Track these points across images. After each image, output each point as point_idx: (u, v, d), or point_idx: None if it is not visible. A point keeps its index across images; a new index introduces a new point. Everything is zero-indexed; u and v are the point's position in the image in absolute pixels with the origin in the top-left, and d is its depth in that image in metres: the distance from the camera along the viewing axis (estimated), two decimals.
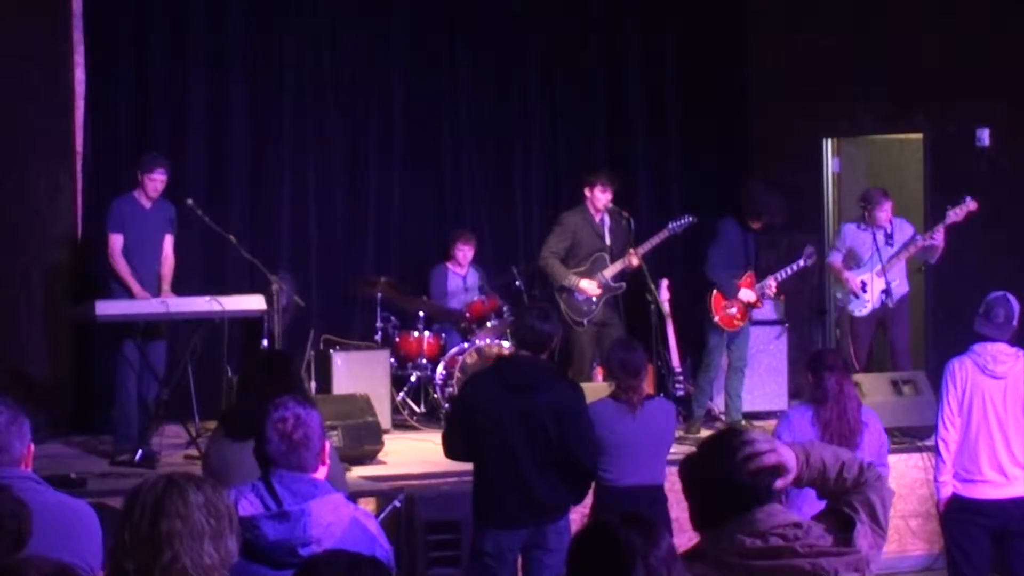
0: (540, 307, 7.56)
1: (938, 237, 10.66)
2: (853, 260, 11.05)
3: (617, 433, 7.15)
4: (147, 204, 10.08)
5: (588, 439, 6.83)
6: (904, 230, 11.01)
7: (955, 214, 10.54)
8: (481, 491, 6.87)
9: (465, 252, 12.05)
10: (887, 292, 10.77)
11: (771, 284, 10.92)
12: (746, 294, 10.81)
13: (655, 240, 11.01)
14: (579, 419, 6.80)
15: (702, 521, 3.47)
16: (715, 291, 10.82)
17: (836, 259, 11.14)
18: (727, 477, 3.41)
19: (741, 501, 3.42)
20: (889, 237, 10.87)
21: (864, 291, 10.89)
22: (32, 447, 4.43)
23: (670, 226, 10.94)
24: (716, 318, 10.81)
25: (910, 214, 12.49)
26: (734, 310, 10.83)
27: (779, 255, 11.91)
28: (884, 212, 10.84)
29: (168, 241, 10.22)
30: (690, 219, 10.94)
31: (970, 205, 10.51)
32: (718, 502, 3.44)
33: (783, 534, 3.38)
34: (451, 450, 7.02)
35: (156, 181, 10.01)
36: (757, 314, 12.01)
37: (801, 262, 11.01)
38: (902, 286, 11.00)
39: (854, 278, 10.98)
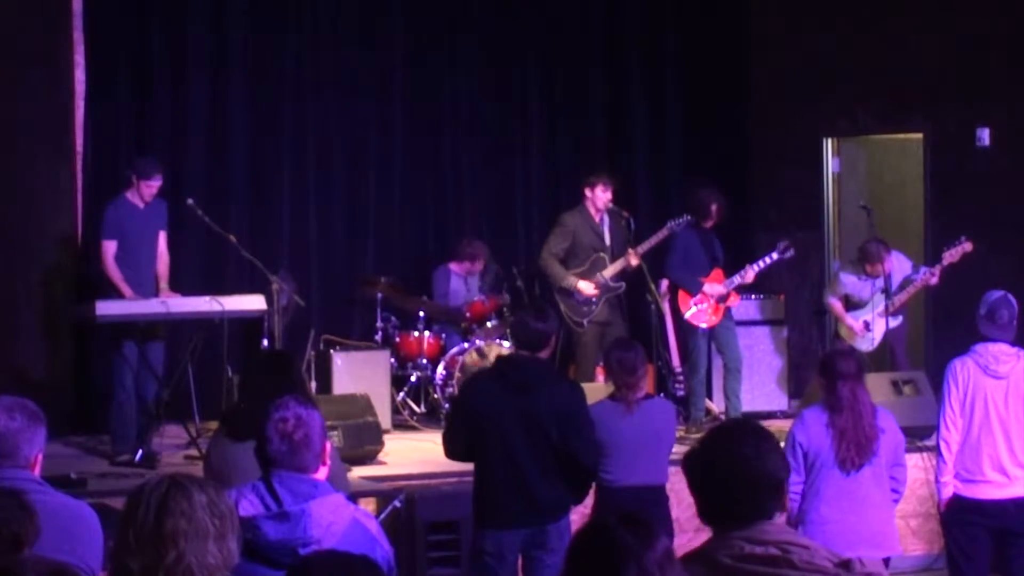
0: (537, 306, 7.55)
1: (934, 280, 10.78)
2: (853, 303, 11.21)
3: (616, 433, 7.14)
4: (140, 204, 10.08)
5: (589, 439, 6.82)
6: (903, 266, 11.07)
7: (951, 255, 10.60)
8: (481, 491, 6.87)
9: (478, 265, 12.06)
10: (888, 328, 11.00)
11: (743, 276, 10.89)
12: (713, 288, 10.82)
13: (654, 239, 11.01)
14: (579, 419, 6.79)
15: (707, 517, 3.49)
16: (679, 291, 10.86)
17: (835, 303, 11.26)
18: (733, 472, 3.43)
19: (744, 505, 3.42)
20: (888, 278, 10.93)
21: (868, 330, 10.99)
22: (41, 456, 4.45)
23: (669, 225, 10.94)
24: (686, 315, 10.83)
25: (910, 214, 12.52)
26: (705, 306, 10.83)
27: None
28: (886, 264, 10.88)
29: (162, 238, 10.22)
30: (689, 218, 10.94)
31: (965, 247, 10.55)
32: (721, 497, 3.45)
33: (784, 547, 3.38)
34: (451, 450, 7.01)
35: (153, 187, 10.00)
36: (756, 314, 12.01)
37: (775, 255, 10.99)
38: (900, 317, 11.18)
39: (856, 322, 11.11)
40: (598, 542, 3.08)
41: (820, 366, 6.96)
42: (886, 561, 6.87)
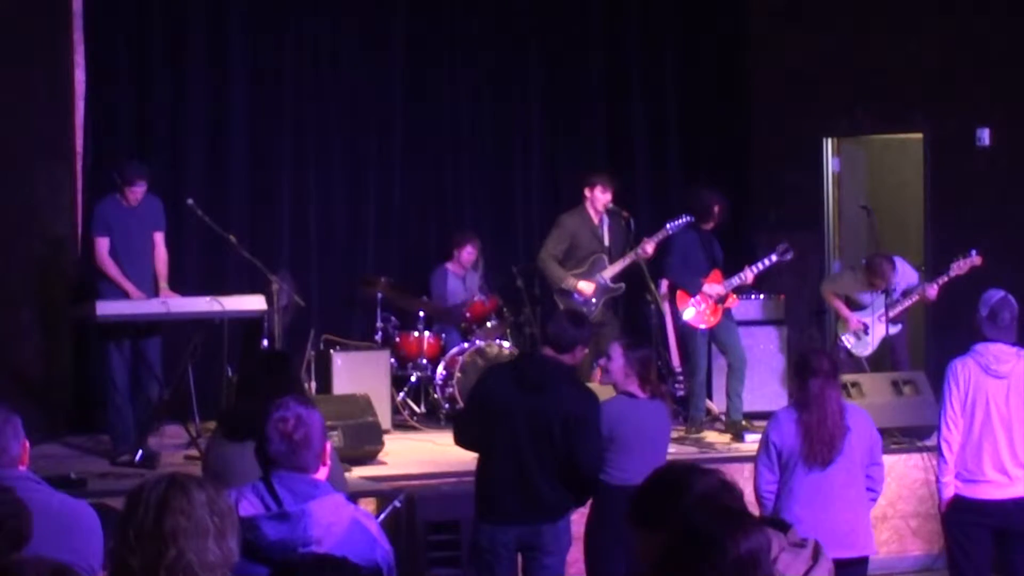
0: (577, 312, 7.64)
1: (932, 293, 10.80)
2: (853, 304, 11.28)
3: (623, 431, 7.14)
4: (131, 204, 10.05)
5: (592, 447, 6.79)
6: (908, 275, 11.09)
7: (959, 267, 10.58)
8: (483, 484, 6.88)
9: (471, 254, 12.05)
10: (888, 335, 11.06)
11: (742, 278, 10.89)
12: (713, 288, 10.82)
13: (657, 238, 10.99)
14: (586, 425, 6.75)
15: None
16: (678, 291, 10.85)
17: (837, 301, 11.34)
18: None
19: None
20: (893, 289, 10.96)
21: (867, 333, 11.03)
22: (28, 444, 4.42)
23: (667, 226, 10.93)
24: (684, 316, 10.83)
25: (910, 214, 12.51)
26: (703, 307, 10.82)
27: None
28: (891, 280, 10.90)
29: (159, 237, 10.20)
30: (687, 218, 10.93)
31: (975, 260, 10.54)
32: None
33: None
34: (460, 438, 7.03)
35: (137, 192, 9.99)
36: (756, 314, 12.00)
37: (774, 257, 10.98)
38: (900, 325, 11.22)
39: (856, 320, 11.17)
40: (687, 534, 3.02)
41: (794, 364, 6.98)
42: (863, 561, 6.88)
